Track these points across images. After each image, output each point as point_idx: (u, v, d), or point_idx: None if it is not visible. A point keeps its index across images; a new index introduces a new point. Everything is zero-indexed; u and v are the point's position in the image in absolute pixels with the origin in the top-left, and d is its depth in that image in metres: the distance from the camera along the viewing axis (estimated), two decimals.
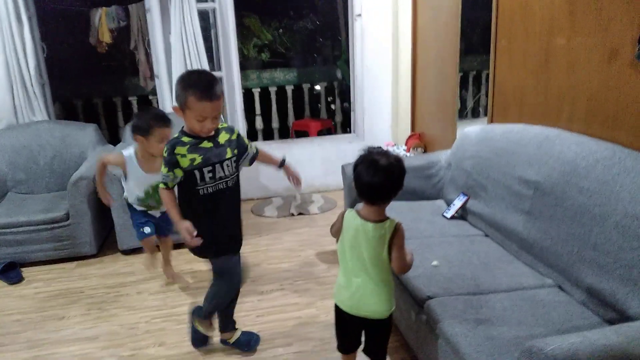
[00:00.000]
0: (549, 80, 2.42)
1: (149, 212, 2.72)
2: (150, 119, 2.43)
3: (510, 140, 2.49)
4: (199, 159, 1.91)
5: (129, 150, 2.60)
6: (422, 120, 4.19)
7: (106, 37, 4.87)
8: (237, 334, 2.27)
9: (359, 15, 4.30)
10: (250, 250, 3.34)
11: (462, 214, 2.74)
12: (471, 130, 2.89)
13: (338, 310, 1.79)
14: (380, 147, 1.72)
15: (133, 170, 2.57)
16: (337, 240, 1.76)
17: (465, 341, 1.61)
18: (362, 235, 1.66)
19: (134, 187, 2.62)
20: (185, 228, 1.89)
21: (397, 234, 1.65)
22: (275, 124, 5.57)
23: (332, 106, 6.30)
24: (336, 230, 1.77)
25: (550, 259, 2.06)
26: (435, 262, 2.16)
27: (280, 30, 7.22)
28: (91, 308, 2.73)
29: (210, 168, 1.94)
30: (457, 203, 2.75)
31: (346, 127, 5.69)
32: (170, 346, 2.34)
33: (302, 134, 5.78)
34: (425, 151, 4.06)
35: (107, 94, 5.56)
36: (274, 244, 3.42)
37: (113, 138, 5.24)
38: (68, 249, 3.28)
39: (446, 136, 3.66)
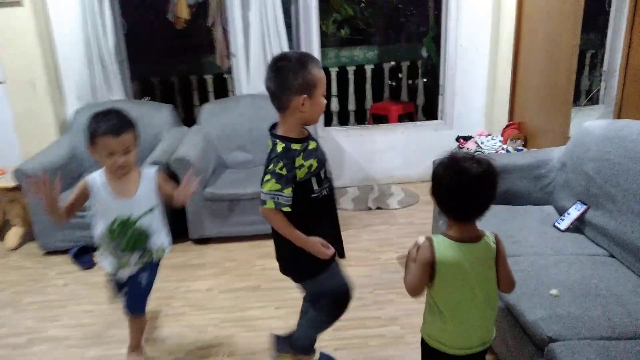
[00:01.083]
0: None
1: (118, 273, 1.95)
2: (97, 124, 1.76)
3: None
4: (315, 164, 1.65)
5: (98, 171, 1.88)
6: (524, 107, 3.69)
7: (184, 13, 4.72)
8: (316, 358, 2.00)
9: None
10: None
11: (578, 226, 2.31)
12: (594, 125, 2.41)
13: (438, 354, 1.47)
14: (463, 152, 1.40)
15: (100, 197, 1.84)
16: (429, 280, 1.38)
17: None
18: (468, 260, 1.35)
19: (99, 220, 1.89)
20: (320, 243, 1.67)
21: (499, 247, 1.40)
22: (351, 106, 5.25)
23: (394, 83, 5.75)
24: (422, 275, 1.36)
25: None
26: (554, 291, 1.78)
27: (362, 5, 6.78)
28: (160, 304, 2.59)
29: (324, 169, 1.70)
30: (574, 213, 2.31)
31: (429, 111, 5.24)
32: (239, 357, 2.14)
33: (380, 117, 5.41)
34: (525, 144, 3.58)
35: (184, 72, 5.48)
36: (350, 242, 3.14)
37: (188, 118, 5.15)
38: None
39: (555, 128, 3.16)
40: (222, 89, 5.18)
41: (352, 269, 2.81)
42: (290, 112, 1.60)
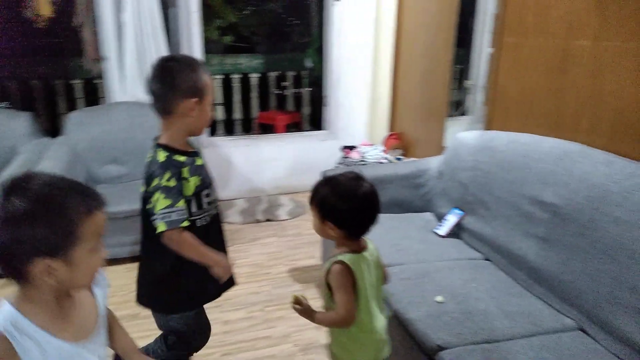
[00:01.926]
0: (566, 85, 2.13)
1: None
2: (75, 200, 0.92)
3: (518, 152, 2.18)
4: (199, 182, 1.48)
5: (3, 309, 0.94)
6: (403, 118, 3.86)
7: (46, 10, 4.24)
8: None
9: None
10: None
11: (457, 232, 2.43)
12: (467, 136, 2.57)
13: None
14: (341, 172, 1.40)
15: (35, 352, 0.92)
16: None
17: None
18: (372, 266, 1.41)
19: None
20: (227, 264, 1.53)
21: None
22: (237, 115, 5.12)
23: (283, 92, 5.76)
24: (352, 297, 1.33)
25: (570, 296, 1.78)
26: (439, 298, 1.83)
27: (247, 12, 6.69)
28: None
29: (207, 191, 1.53)
30: (452, 219, 2.44)
31: (316, 121, 5.30)
32: None
33: (267, 127, 5.35)
34: (405, 153, 3.74)
35: (48, 75, 4.92)
36: (239, 258, 3.00)
37: (52, 128, 4.61)
38: None
39: (431, 138, 3.34)
40: (93, 95, 4.74)
41: (240, 286, 2.67)
42: (176, 118, 1.44)
